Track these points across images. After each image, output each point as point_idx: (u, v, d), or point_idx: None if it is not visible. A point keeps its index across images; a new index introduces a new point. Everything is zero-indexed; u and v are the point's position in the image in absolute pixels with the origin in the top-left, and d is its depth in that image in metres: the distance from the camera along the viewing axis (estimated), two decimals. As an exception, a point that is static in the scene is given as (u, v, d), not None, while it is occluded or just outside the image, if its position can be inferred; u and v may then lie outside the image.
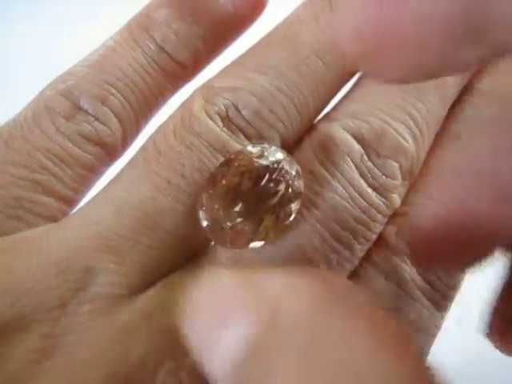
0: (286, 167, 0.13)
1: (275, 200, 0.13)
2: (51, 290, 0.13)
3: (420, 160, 0.16)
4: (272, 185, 0.13)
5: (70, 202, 0.14)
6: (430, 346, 0.15)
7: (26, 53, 0.32)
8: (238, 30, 0.16)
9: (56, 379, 0.12)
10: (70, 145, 0.14)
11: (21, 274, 0.13)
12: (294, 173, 0.13)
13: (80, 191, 0.14)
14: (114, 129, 0.15)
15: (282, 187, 0.13)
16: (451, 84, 0.16)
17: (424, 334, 0.15)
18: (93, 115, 0.14)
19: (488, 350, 0.13)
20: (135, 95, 0.15)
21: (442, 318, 0.15)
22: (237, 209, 0.13)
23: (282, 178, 0.13)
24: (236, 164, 0.13)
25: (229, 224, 0.13)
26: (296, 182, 0.13)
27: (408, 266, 0.15)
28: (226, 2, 0.16)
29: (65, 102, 0.14)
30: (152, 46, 0.15)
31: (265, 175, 0.13)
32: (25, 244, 0.13)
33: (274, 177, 0.13)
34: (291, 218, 0.13)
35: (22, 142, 0.14)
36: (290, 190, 0.13)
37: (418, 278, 0.15)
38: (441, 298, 0.15)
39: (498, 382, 0.25)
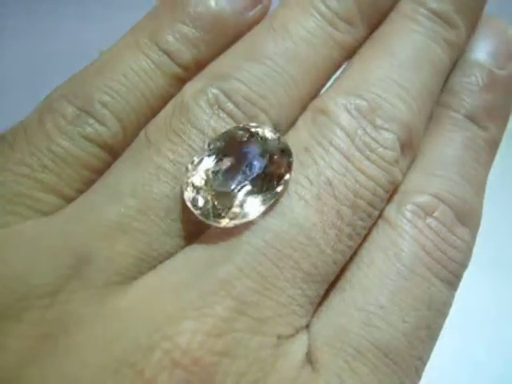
0: (272, 143, 0.13)
1: (263, 177, 0.13)
2: (42, 276, 0.13)
3: (419, 134, 0.15)
4: (258, 161, 0.13)
5: (72, 201, 0.15)
6: (442, 326, 0.15)
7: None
8: (238, 30, 0.17)
9: (49, 368, 0.12)
10: (72, 146, 0.15)
11: (11, 262, 0.13)
12: (278, 145, 0.13)
13: (82, 191, 0.15)
14: (116, 130, 0.15)
15: (268, 163, 0.13)
16: (444, 59, 0.16)
17: (434, 312, 0.14)
18: (94, 117, 0.15)
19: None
20: (137, 98, 0.15)
21: (452, 296, 0.15)
22: (225, 188, 0.13)
23: (267, 154, 0.13)
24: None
25: (219, 204, 0.13)
26: (283, 158, 0.13)
27: (411, 244, 0.15)
28: (224, 4, 0.16)
29: (67, 105, 0.15)
30: (154, 50, 0.16)
31: (250, 152, 0.13)
32: (18, 235, 0.14)
33: (259, 153, 0.13)
34: (281, 192, 0.13)
35: (25, 143, 0.15)
36: (276, 164, 0.13)
37: (423, 255, 0.15)
38: (449, 274, 0.15)
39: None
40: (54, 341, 0.12)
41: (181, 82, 0.16)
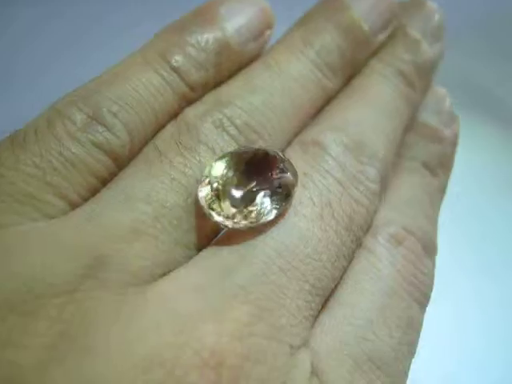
0: (280, 159, 0.15)
1: (276, 186, 0.14)
2: (60, 274, 0.12)
3: (390, 173, 0.18)
4: (272, 171, 0.15)
5: (75, 208, 0.14)
6: (417, 344, 0.16)
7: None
8: (243, 58, 0.18)
9: (73, 368, 0.11)
10: (83, 152, 0.14)
11: (29, 260, 0.13)
12: (285, 162, 0.15)
13: (86, 199, 0.14)
14: (125, 140, 0.15)
15: (280, 175, 0.15)
16: (407, 113, 0.19)
17: (413, 330, 0.16)
18: (105, 126, 0.15)
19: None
20: (146, 112, 0.15)
21: (423, 316, 0.17)
22: (241, 188, 0.14)
23: (280, 167, 0.15)
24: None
25: (235, 206, 0.14)
26: (292, 175, 0.15)
27: (388, 267, 0.16)
28: (233, 33, 0.17)
29: (77, 111, 0.15)
30: (164, 68, 0.16)
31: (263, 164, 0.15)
32: (35, 233, 0.13)
33: (272, 164, 0.15)
34: (288, 206, 0.15)
35: (36, 145, 0.14)
36: (287, 178, 0.15)
37: (400, 278, 0.16)
38: (421, 297, 0.16)
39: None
40: (73, 339, 0.12)
41: (186, 101, 0.16)
